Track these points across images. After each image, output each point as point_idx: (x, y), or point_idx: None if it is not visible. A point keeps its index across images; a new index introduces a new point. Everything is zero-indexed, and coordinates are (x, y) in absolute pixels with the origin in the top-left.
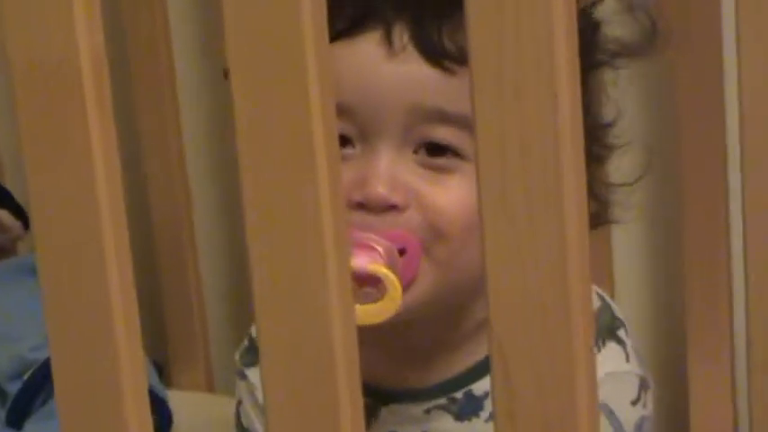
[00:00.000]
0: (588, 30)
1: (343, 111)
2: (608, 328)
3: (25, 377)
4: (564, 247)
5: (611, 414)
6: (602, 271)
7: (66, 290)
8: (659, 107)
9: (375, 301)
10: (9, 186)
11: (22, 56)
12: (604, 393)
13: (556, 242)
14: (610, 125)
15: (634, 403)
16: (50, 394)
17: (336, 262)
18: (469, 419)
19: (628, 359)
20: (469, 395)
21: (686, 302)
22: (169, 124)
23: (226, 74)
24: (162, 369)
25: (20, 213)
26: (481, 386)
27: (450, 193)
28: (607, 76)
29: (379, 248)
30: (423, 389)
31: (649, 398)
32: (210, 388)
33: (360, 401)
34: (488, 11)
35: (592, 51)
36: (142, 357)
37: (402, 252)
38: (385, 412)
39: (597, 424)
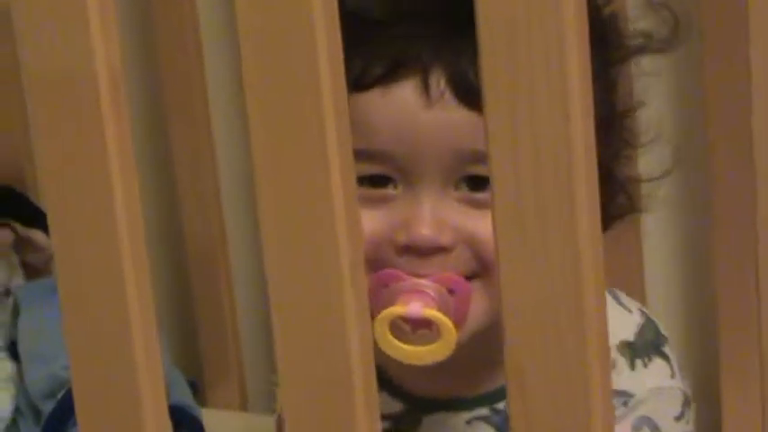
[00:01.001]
0: (610, 25)
1: (383, 156)
2: (653, 344)
3: (59, 396)
4: (577, 258)
5: (655, 429)
6: (632, 275)
7: (85, 301)
8: (687, 100)
9: (430, 342)
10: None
11: (36, 66)
12: (649, 408)
13: (569, 253)
14: (635, 119)
15: (678, 419)
16: None
17: (351, 279)
18: None
19: (673, 375)
20: None
21: (719, 320)
22: (201, 135)
23: None
24: (196, 387)
25: None
26: None
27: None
28: (633, 69)
29: (431, 292)
30: (466, 399)
31: (691, 415)
32: (244, 406)
33: (376, 414)
34: (500, 26)
35: (615, 46)
36: (160, 366)
37: (451, 291)
38: (426, 422)
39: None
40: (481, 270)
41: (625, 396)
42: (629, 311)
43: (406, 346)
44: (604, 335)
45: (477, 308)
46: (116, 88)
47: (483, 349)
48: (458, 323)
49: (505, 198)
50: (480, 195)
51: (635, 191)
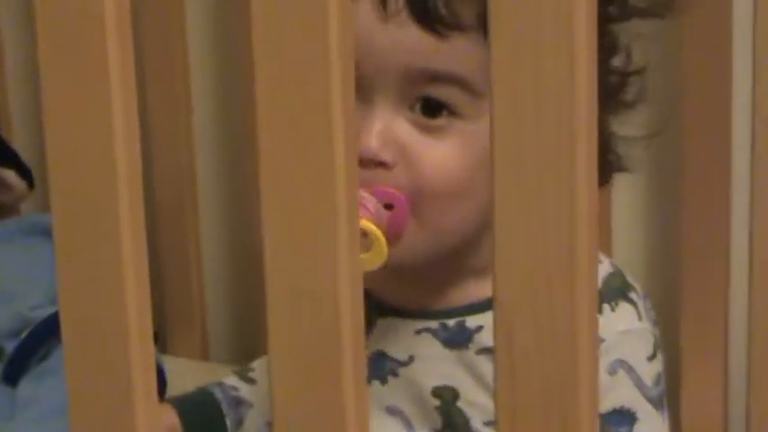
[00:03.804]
0: None
1: None
2: (619, 291)
3: (23, 335)
4: (573, 213)
5: (630, 370)
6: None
7: (80, 240)
8: (665, 64)
9: (364, 251)
10: (17, 147)
11: (47, 5)
12: (621, 350)
13: (564, 208)
14: (629, 80)
15: (650, 359)
16: (48, 353)
17: (347, 219)
18: (459, 349)
19: (640, 318)
20: (462, 326)
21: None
22: (180, 107)
23: None
24: (158, 335)
25: (25, 173)
26: (475, 321)
27: (439, 156)
28: (629, 30)
29: (367, 204)
30: (418, 310)
31: (661, 357)
32: (205, 356)
33: (363, 360)
34: None
35: (617, 3)
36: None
37: (389, 207)
38: (379, 325)
39: (596, 386)
40: (418, 199)
41: None
42: (600, 262)
43: None
44: (595, 293)
45: (413, 233)
46: (124, 25)
47: (439, 270)
48: (392, 238)
49: (505, 150)
50: (433, 122)
51: (623, 150)
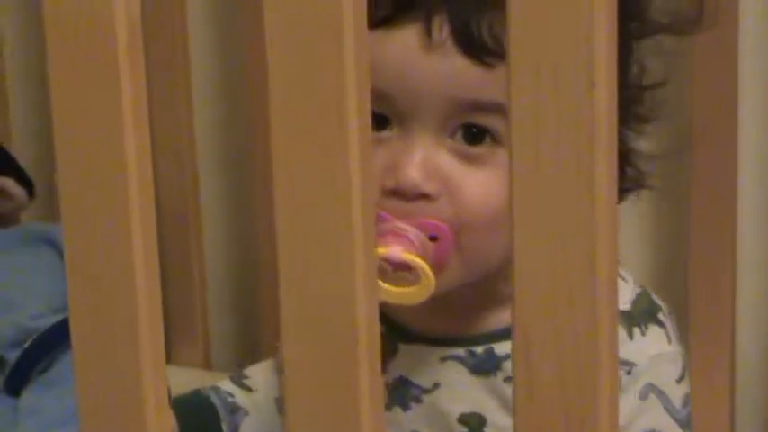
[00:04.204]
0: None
1: (381, 96)
2: (648, 313)
3: (25, 345)
4: (593, 227)
5: (661, 394)
6: None
7: (90, 249)
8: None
9: (410, 284)
10: (17, 155)
11: (56, 13)
12: (652, 375)
13: (586, 219)
14: (650, 96)
15: (679, 381)
16: (50, 363)
17: (363, 239)
18: (486, 375)
19: (670, 341)
20: (490, 352)
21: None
22: (182, 113)
23: None
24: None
25: (24, 181)
26: (503, 348)
27: (481, 186)
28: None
29: (412, 237)
30: (445, 337)
31: (688, 378)
32: (208, 365)
33: (380, 381)
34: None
35: (637, 18)
36: (161, 324)
37: (433, 239)
38: (403, 351)
39: (617, 412)
40: (461, 230)
41: (628, 365)
42: (626, 281)
43: (385, 285)
44: (614, 312)
45: (455, 263)
46: (134, 34)
47: (468, 296)
48: (437, 270)
49: (524, 167)
50: (474, 150)
51: (644, 167)
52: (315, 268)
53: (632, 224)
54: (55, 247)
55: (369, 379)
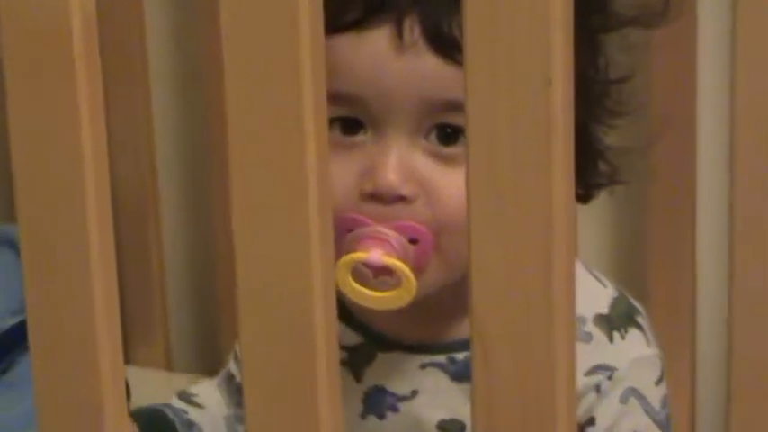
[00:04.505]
0: None
1: (354, 100)
2: (626, 316)
3: None
4: (550, 224)
5: (641, 398)
6: None
7: (46, 248)
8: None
9: (391, 288)
10: None
11: (11, 8)
12: (632, 379)
13: (542, 218)
14: (619, 89)
15: (657, 383)
16: (11, 364)
17: (320, 236)
18: (467, 382)
19: (649, 343)
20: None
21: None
22: (139, 111)
23: None
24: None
25: None
26: None
27: (457, 186)
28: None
29: (392, 240)
30: (426, 344)
31: (666, 379)
32: (169, 365)
33: (338, 378)
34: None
35: (601, 12)
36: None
37: (413, 241)
38: (381, 359)
39: (574, 408)
40: (440, 231)
41: (609, 370)
42: (604, 285)
43: (366, 291)
44: (571, 307)
45: (436, 265)
46: (89, 29)
47: (447, 301)
48: (418, 272)
49: (480, 161)
50: (449, 150)
51: (618, 161)
52: (272, 266)
53: (590, 222)
54: (13, 247)
55: (327, 378)
